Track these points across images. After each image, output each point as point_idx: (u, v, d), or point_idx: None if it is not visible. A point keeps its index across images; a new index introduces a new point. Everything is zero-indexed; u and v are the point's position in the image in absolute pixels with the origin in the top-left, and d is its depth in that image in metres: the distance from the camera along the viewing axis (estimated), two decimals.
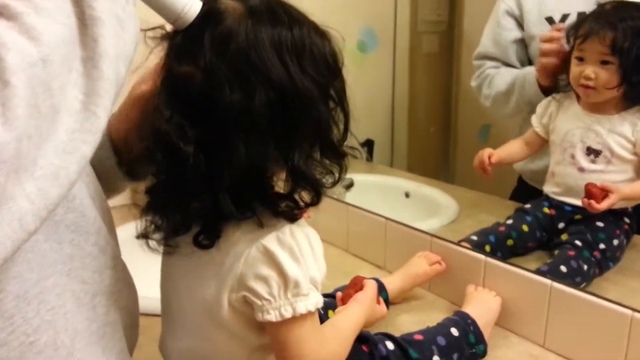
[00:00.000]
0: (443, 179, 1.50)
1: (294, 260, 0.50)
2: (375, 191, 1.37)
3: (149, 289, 0.96)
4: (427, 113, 1.70)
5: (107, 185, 0.62)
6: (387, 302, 0.90)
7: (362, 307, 0.65)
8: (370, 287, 0.68)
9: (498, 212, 1.08)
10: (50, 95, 0.33)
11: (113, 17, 0.38)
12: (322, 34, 0.52)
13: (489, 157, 1.02)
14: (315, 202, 0.52)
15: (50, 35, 0.33)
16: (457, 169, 1.51)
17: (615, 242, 0.89)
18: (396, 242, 1.03)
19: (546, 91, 1.00)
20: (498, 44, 1.12)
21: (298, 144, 0.49)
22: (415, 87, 1.66)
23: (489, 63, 1.14)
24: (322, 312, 0.75)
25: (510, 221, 1.00)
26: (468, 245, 0.96)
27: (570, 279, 0.81)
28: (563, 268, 0.85)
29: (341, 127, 0.53)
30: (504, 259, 0.91)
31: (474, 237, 0.99)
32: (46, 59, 0.33)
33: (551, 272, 0.83)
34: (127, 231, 0.62)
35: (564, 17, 1.00)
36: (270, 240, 0.50)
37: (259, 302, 0.51)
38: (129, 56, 0.40)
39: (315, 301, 0.52)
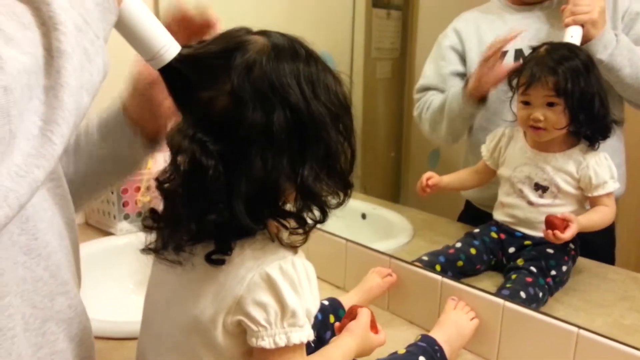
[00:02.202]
0: (397, 200, 1.55)
1: (293, 291, 0.52)
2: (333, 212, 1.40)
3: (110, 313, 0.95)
4: (380, 136, 1.75)
5: (132, 159, 0.69)
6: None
7: (353, 336, 0.65)
8: (364, 316, 0.68)
9: (450, 233, 1.13)
10: (8, 121, 0.34)
11: (80, 50, 0.39)
12: (334, 75, 0.56)
13: (427, 180, 1.10)
14: (322, 220, 0.55)
15: (15, 65, 0.35)
16: (410, 191, 1.56)
17: (564, 268, 0.95)
18: (356, 263, 1.06)
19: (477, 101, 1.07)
20: (440, 75, 1.18)
21: (309, 163, 0.52)
22: (369, 111, 1.71)
23: (430, 92, 1.19)
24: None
25: (458, 244, 1.04)
26: (420, 265, 1.00)
27: (528, 305, 0.85)
28: (523, 294, 0.89)
29: (348, 159, 0.56)
30: (455, 279, 0.95)
31: (425, 258, 1.03)
32: (7, 87, 0.34)
33: (512, 297, 0.87)
34: (81, 252, 0.62)
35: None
36: (273, 269, 0.52)
37: (254, 328, 0.52)
38: (95, 87, 0.42)
39: (308, 333, 0.54)
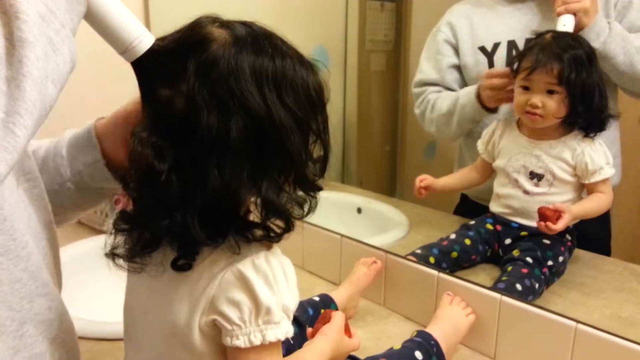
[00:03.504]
0: (393, 194, 1.54)
1: (267, 287, 0.50)
2: (328, 207, 1.39)
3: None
4: (376, 129, 1.74)
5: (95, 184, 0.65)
6: None
7: (327, 340, 0.63)
8: (337, 320, 0.66)
9: (446, 227, 1.12)
10: None
11: (43, 39, 0.38)
12: (307, 66, 0.52)
13: (420, 182, 1.09)
14: (286, 230, 0.53)
15: None
16: (406, 184, 1.55)
17: (561, 258, 0.94)
18: (351, 258, 1.05)
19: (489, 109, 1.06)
20: (439, 69, 1.16)
21: (270, 173, 0.50)
22: (364, 104, 1.70)
23: (430, 88, 1.18)
24: (292, 342, 0.74)
25: (453, 236, 1.04)
26: (415, 260, 0.99)
27: (524, 297, 0.85)
28: (518, 286, 0.88)
29: (319, 161, 0.54)
30: (450, 270, 0.95)
31: (419, 251, 1.02)
32: None
33: (508, 290, 0.87)
34: (72, 250, 0.61)
35: (496, 46, 1.06)
36: (245, 265, 0.50)
37: (228, 327, 0.50)
38: (62, 77, 0.41)
39: (286, 330, 0.52)
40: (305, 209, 0.53)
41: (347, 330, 0.67)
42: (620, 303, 0.88)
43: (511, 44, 1.04)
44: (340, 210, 1.34)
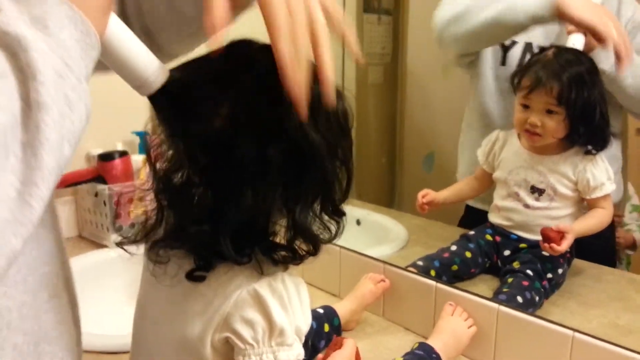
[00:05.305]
0: (391, 206, 1.55)
1: (282, 308, 0.51)
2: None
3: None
4: (374, 142, 1.75)
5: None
6: (340, 328, 0.92)
7: None
8: (349, 347, 0.67)
9: (445, 238, 1.12)
10: None
11: (60, 99, 0.36)
12: (337, 94, 0.53)
13: (422, 197, 1.09)
14: (312, 253, 0.53)
15: None
16: (405, 196, 1.56)
17: (560, 270, 0.95)
18: (350, 270, 1.05)
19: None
20: None
21: (302, 197, 0.51)
22: (362, 116, 1.71)
23: None
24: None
25: (453, 247, 1.04)
26: (415, 271, 0.99)
27: (525, 309, 0.85)
28: (519, 298, 0.88)
29: (344, 185, 0.54)
30: (449, 282, 0.95)
31: (420, 263, 1.02)
32: None
33: (509, 301, 0.87)
34: (74, 264, 0.61)
35: (513, 43, 1.04)
36: (262, 285, 0.51)
37: (241, 346, 0.51)
38: (77, 135, 0.39)
39: (297, 352, 0.52)
40: (332, 233, 0.54)
41: (358, 358, 0.68)
42: (617, 312, 0.89)
43: (528, 46, 1.03)
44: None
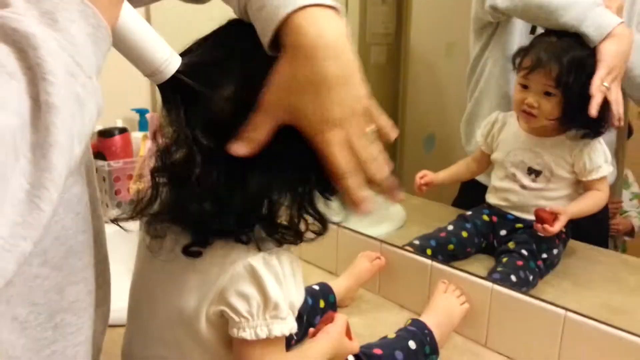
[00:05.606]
0: None
1: (277, 283, 0.52)
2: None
3: None
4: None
5: None
6: (335, 305, 0.94)
7: (330, 339, 0.65)
8: (340, 322, 0.68)
9: (443, 218, 1.13)
10: None
11: (71, 99, 0.35)
12: None
13: (420, 178, 1.11)
14: (322, 232, 0.54)
15: (1, 129, 0.31)
16: (404, 176, 1.56)
17: (555, 251, 0.96)
18: (347, 248, 1.06)
19: None
20: None
21: (309, 177, 0.52)
22: None
23: None
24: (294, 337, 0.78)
25: (450, 227, 1.05)
26: (411, 249, 1.00)
27: (518, 288, 0.86)
28: (513, 277, 0.90)
29: None
30: (445, 262, 0.96)
31: (416, 242, 1.03)
32: None
33: (502, 280, 0.88)
34: None
35: None
36: (257, 260, 0.52)
37: (236, 319, 0.52)
38: (87, 133, 0.39)
39: (291, 326, 0.54)
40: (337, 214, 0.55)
41: (348, 334, 0.69)
42: (610, 293, 0.90)
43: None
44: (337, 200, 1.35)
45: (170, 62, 0.48)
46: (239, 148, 0.48)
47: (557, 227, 0.89)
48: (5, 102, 0.32)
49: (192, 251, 0.53)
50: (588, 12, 0.87)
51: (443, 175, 1.13)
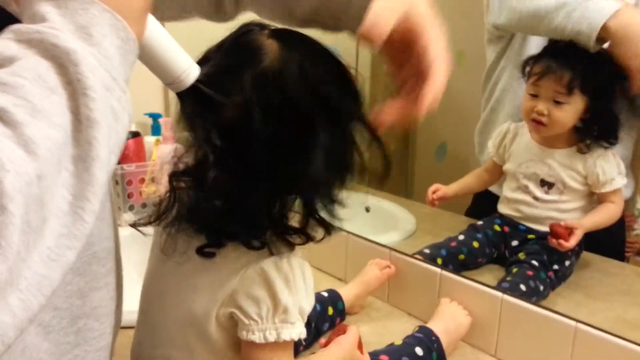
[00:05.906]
0: (402, 194, 1.54)
1: (287, 288, 0.52)
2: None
3: None
4: (387, 130, 1.74)
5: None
6: (344, 312, 0.93)
7: (341, 350, 0.65)
8: (352, 333, 0.68)
9: (454, 227, 1.12)
10: (41, 207, 0.32)
11: (108, 113, 0.36)
12: (350, 78, 0.56)
13: (433, 193, 1.10)
14: (328, 235, 0.55)
15: (46, 145, 0.32)
16: (416, 185, 1.55)
17: (567, 262, 0.94)
18: (357, 255, 1.06)
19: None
20: None
21: (317, 179, 0.52)
22: (375, 104, 1.70)
23: None
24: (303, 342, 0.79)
25: (461, 237, 1.04)
26: (421, 258, 0.99)
27: (528, 298, 0.85)
28: (522, 287, 0.88)
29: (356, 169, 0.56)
30: (455, 271, 0.95)
31: (427, 250, 1.02)
32: (41, 174, 0.31)
33: (512, 289, 0.87)
34: None
35: None
36: (268, 264, 0.52)
37: (246, 321, 0.52)
38: (121, 144, 0.39)
39: (299, 331, 0.54)
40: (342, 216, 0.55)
41: (360, 347, 0.69)
42: (625, 306, 0.88)
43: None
44: (348, 208, 1.35)
45: (190, 72, 0.49)
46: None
47: (573, 242, 0.88)
48: (49, 116, 0.33)
49: (206, 252, 0.54)
50: (574, 11, 0.81)
51: (455, 187, 1.12)
